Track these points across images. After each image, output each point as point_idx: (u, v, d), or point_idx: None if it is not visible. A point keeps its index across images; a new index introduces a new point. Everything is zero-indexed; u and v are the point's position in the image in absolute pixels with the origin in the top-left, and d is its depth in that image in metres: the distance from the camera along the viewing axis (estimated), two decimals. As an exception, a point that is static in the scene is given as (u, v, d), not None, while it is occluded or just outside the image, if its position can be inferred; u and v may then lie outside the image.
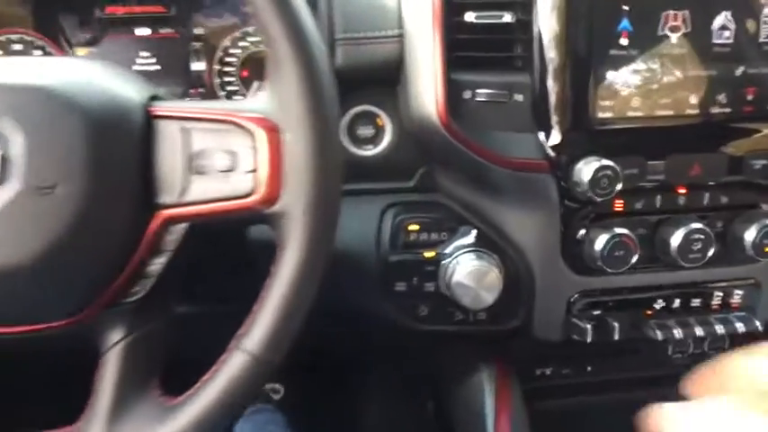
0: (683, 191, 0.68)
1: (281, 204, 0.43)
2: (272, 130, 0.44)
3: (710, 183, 0.67)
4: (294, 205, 0.43)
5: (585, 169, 0.62)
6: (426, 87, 0.66)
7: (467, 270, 0.67)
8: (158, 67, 0.81)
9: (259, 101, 0.45)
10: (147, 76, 0.81)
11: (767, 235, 0.66)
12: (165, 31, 0.82)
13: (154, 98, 0.49)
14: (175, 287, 0.51)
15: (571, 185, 0.64)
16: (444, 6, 0.64)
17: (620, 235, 0.64)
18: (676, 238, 0.66)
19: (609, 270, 0.65)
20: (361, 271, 0.72)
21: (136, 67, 0.81)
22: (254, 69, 0.80)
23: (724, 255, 0.70)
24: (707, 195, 0.68)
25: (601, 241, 0.65)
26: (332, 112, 0.44)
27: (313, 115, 0.43)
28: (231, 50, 0.80)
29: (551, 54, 0.63)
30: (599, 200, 0.62)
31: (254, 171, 0.44)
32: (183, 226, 0.47)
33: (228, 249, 0.71)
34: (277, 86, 0.44)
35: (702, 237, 0.65)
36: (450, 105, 0.65)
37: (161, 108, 0.47)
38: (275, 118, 0.44)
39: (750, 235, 0.67)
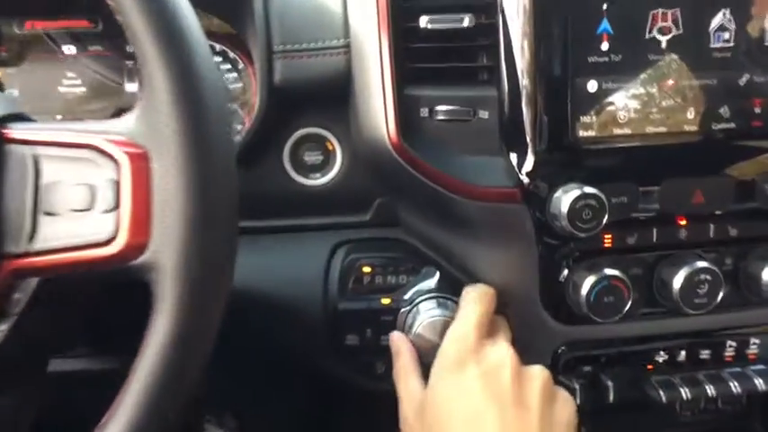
0: (683, 222, 0.56)
1: (150, 255, 0.33)
2: (139, 158, 0.33)
3: (716, 212, 0.56)
4: (165, 256, 0.32)
5: (564, 199, 0.51)
6: (376, 105, 0.56)
7: (428, 320, 0.56)
8: (84, 89, 0.72)
9: (128, 120, 0.35)
10: (74, 99, 0.73)
11: (787, 274, 0.56)
12: (94, 48, 0.73)
13: (9, 118, 0.39)
14: (36, 354, 0.41)
15: (548, 218, 0.53)
16: (393, 10, 0.54)
17: (610, 277, 0.53)
18: (678, 280, 0.55)
19: (597, 319, 0.55)
20: (305, 322, 0.61)
21: (62, 89, 0.73)
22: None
23: (736, 297, 0.58)
24: (712, 227, 0.57)
25: (587, 285, 0.54)
26: (216, 132, 0.34)
27: (187, 138, 0.32)
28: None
29: (521, 63, 0.53)
30: (582, 235, 0.51)
31: (115, 210, 0.33)
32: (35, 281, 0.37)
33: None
34: (147, 101, 0.34)
35: (709, 277, 0.54)
36: (404, 125, 0.55)
37: (14, 130, 0.37)
38: (143, 142, 0.34)
39: (767, 275, 0.56)
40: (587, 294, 0.53)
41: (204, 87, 0.34)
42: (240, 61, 0.71)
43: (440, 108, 0.56)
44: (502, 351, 0.51)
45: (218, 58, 0.71)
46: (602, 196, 0.51)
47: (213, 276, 0.33)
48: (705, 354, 0.61)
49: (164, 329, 0.32)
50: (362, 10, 0.57)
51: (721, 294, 0.55)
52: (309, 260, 0.62)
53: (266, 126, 0.62)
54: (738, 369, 0.61)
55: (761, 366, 0.62)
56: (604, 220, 0.51)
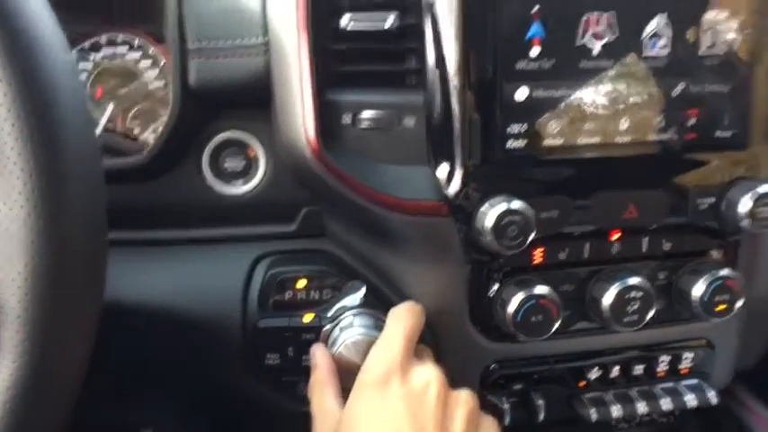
0: (616, 237, 0.55)
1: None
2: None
3: (650, 226, 0.55)
4: (4, 297, 0.28)
5: (490, 214, 0.48)
6: (296, 110, 0.52)
7: (351, 339, 0.53)
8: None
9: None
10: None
11: (718, 290, 0.54)
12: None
13: None
14: None
15: (474, 233, 0.51)
16: (313, 7, 0.50)
17: (538, 296, 0.51)
18: (609, 297, 0.53)
19: (524, 338, 0.52)
20: (222, 340, 0.57)
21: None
22: (110, 86, 0.66)
23: (669, 312, 0.57)
24: (645, 242, 0.55)
25: (514, 303, 0.51)
26: (60, 137, 0.30)
27: (20, 144, 0.28)
28: (80, 65, 0.65)
29: (449, 68, 0.50)
30: (507, 252, 0.49)
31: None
32: None
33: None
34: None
35: (640, 294, 0.52)
36: (325, 132, 0.52)
37: None
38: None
39: (698, 290, 0.54)
40: (515, 313, 0.51)
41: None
42: (163, 57, 0.66)
43: (364, 115, 0.53)
44: (429, 371, 0.48)
45: (136, 54, 0.66)
46: (530, 212, 0.48)
47: (61, 320, 0.29)
48: (638, 369, 0.60)
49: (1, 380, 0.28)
50: (281, 7, 0.52)
51: (652, 311, 0.53)
52: (228, 274, 0.58)
53: (182, 130, 0.58)
54: (671, 384, 0.60)
55: (693, 381, 0.61)
56: (531, 237, 0.48)
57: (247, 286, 0.58)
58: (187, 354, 0.58)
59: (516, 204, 0.48)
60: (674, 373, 0.61)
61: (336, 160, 0.52)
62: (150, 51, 0.66)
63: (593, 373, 0.59)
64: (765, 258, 0.63)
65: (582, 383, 0.59)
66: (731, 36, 0.52)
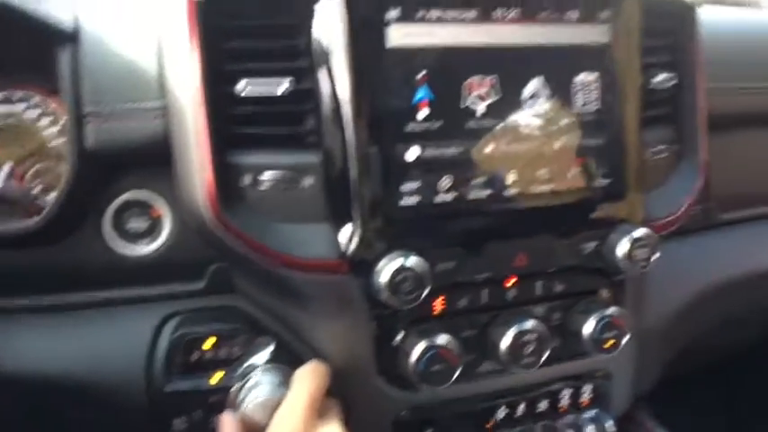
0: (511, 282, 0.58)
1: None
2: None
3: (540, 272, 0.58)
4: None
5: (385, 270, 0.50)
6: (195, 172, 0.52)
7: (257, 400, 0.53)
8: None
9: None
10: None
11: (607, 327, 0.58)
12: None
13: None
14: None
15: (373, 289, 0.52)
16: (208, 73, 0.51)
17: (438, 346, 0.53)
18: (506, 341, 0.55)
19: (427, 387, 0.54)
20: (126, 407, 0.55)
21: None
22: (8, 145, 0.64)
23: (565, 349, 0.61)
24: (539, 285, 0.58)
25: (416, 353, 0.52)
26: None
27: None
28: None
29: (345, 128, 0.52)
30: (404, 307, 0.51)
31: None
32: None
33: None
34: None
35: (535, 336, 0.55)
36: (226, 194, 0.52)
37: None
38: None
39: (588, 328, 0.58)
40: (416, 362, 0.52)
41: None
42: (63, 114, 0.65)
43: (264, 176, 0.54)
44: (331, 430, 0.49)
45: (34, 112, 0.65)
46: (424, 267, 0.50)
47: None
48: (542, 405, 0.63)
49: None
50: (178, 71, 0.53)
51: (547, 352, 0.56)
52: (132, 337, 0.57)
53: (80, 192, 0.57)
54: (572, 417, 0.63)
55: (593, 412, 0.64)
56: (425, 292, 0.51)
57: (153, 349, 0.57)
58: (90, 424, 0.56)
59: (411, 261, 0.50)
60: (575, 405, 0.64)
61: (236, 221, 0.52)
62: (49, 109, 0.65)
63: (501, 413, 0.61)
64: (651, 293, 0.68)
65: (490, 424, 0.61)
66: (601, 95, 0.57)
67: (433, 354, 0.52)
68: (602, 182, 0.58)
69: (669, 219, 0.63)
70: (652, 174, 0.65)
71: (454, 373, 0.53)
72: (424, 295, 0.50)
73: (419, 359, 0.52)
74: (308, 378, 0.52)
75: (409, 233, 0.52)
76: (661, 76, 0.63)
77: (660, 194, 0.64)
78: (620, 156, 0.58)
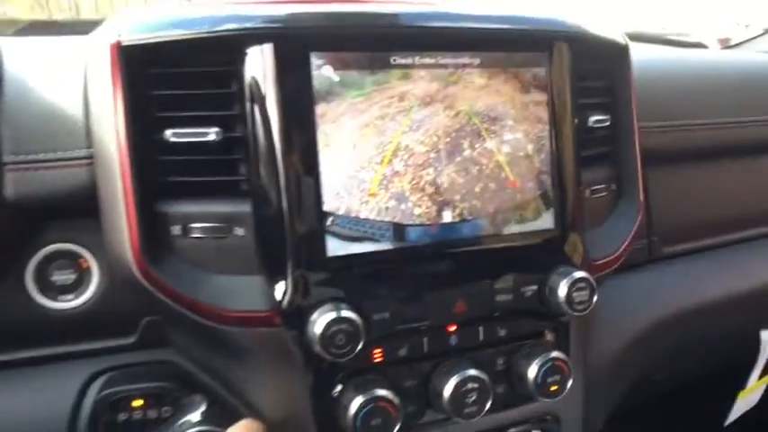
0: (453, 329, 0.56)
1: None
2: None
3: (481, 318, 0.57)
4: None
5: (318, 323, 0.48)
6: (120, 223, 0.50)
7: (187, 463, 0.50)
8: None
9: None
10: None
11: (550, 371, 0.57)
12: None
13: None
14: None
15: (307, 342, 0.51)
16: (134, 121, 0.49)
17: (377, 399, 0.51)
18: (448, 390, 0.54)
19: (367, 443, 0.52)
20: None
21: None
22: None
23: (511, 395, 0.60)
24: (481, 331, 0.57)
25: (354, 407, 0.50)
26: None
27: None
28: None
29: (278, 179, 0.50)
30: (338, 360, 0.49)
31: None
32: None
33: None
34: None
35: (477, 385, 0.54)
36: (153, 245, 0.50)
37: None
38: None
39: (532, 372, 0.57)
40: (354, 417, 0.50)
41: None
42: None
43: (194, 225, 0.52)
44: None
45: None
46: (357, 320, 0.49)
47: None
48: (490, 454, 0.62)
49: None
50: (103, 118, 0.51)
51: (490, 401, 0.55)
52: (55, 398, 0.53)
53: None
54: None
55: (542, 458, 0.63)
56: (360, 344, 0.49)
57: (77, 410, 0.53)
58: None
59: (344, 312, 0.49)
60: (524, 452, 0.63)
61: (164, 274, 0.50)
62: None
63: (447, 463, 0.60)
64: (597, 332, 0.68)
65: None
66: (537, 137, 0.57)
67: (371, 408, 0.50)
68: (540, 224, 0.58)
69: (609, 258, 0.63)
70: (591, 213, 0.65)
71: (394, 426, 0.51)
72: (359, 348, 0.49)
73: (357, 414, 0.50)
74: None
75: (342, 283, 0.51)
76: (597, 117, 0.65)
77: (600, 234, 0.65)
78: (559, 197, 0.58)
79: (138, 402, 0.54)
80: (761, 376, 0.96)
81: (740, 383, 0.91)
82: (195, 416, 0.53)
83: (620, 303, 0.75)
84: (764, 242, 0.92)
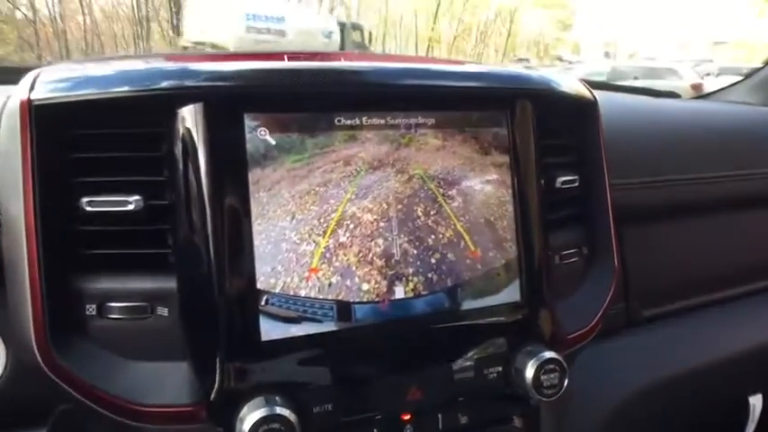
0: (408, 417, 0.50)
1: None
2: None
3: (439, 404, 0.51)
4: None
5: (248, 419, 0.42)
6: (26, 301, 0.44)
7: None
8: None
9: None
10: None
11: (519, 465, 0.52)
12: None
13: None
14: None
15: (235, 442, 0.44)
16: (44, 187, 0.44)
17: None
18: (399, 491, 0.48)
19: None
20: None
21: None
22: None
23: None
24: (440, 419, 0.51)
25: None
26: None
27: None
28: None
29: (206, 248, 0.45)
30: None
31: None
32: None
33: None
34: None
35: (433, 484, 0.49)
36: (61, 327, 0.44)
37: None
38: None
39: (500, 468, 0.52)
40: None
41: None
42: None
43: (112, 304, 0.46)
44: None
45: None
46: (292, 417, 0.42)
47: None
48: None
49: None
50: (9, 184, 0.46)
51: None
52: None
53: None
54: None
55: None
56: (295, 444, 0.43)
57: None
58: None
59: (278, 408, 0.43)
60: None
61: (72, 361, 0.44)
62: None
63: None
64: (571, 409, 0.62)
65: None
66: (498, 200, 0.53)
67: None
68: (505, 297, 0.53)
69: (583, 331, 0.58)
70: (562, 281, 0.60)
71: None
72: (293, 450, 0.43)
73: None
74: None
75: (278, 372, 0.45)
76: (564, 177, 0.61)
77: (571, 304, 0.60)
78: (526, 266, 0.53)
79: None
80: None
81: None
82: None
83: (597, 374, 0.70)
84: (748, 301, 0.87)
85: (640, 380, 0.73)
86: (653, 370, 0.74)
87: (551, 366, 0.51)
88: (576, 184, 0.62)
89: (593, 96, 0.63)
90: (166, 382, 0.45)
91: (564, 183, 0.61)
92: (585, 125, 0.63)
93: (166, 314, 0.46)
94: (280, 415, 0.42)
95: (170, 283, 0.46)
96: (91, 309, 0.46)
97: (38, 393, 0.50)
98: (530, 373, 0.50)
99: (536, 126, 0.56)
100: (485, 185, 0.53)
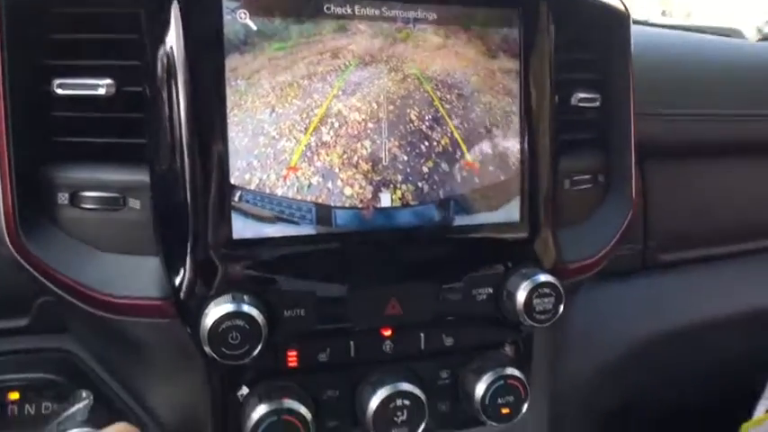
0: (388, 333, 0.47)
1: None
2: None
3: (419, 322, 0.48)
4: None
5: (210, 316, 0.40)
6: (-4, 187, 0.43)
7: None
8: None
9: None
10: None
11: (503, 390, 0.48)
12: None
13: None
14: None
15: (200, 338, 0.42)
16: (14, 68, 0.42)
17: (283, 411, 0.42)
18: (373, 405, 0.45)
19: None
20: None
21: None
22: None
23: (455, 417, 0.50)
24: (422, 337, 0.48)
25: (252, 420, 0.42)
26: None
27: None
28: None
29: (180, 139, 0.42)
30: (230, 363, 0.41)
31: None
32: None
33: None
34: None
35: (408, 402, 0.45)
36: (33, 216, 0.43)
37: None
38: None
39: (480, 390, 0.48)
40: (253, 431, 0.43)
41: None
42: None
43: (84, 194, 0.44)
44: None
45: None
46: (258, 316, 0.40)
47: None
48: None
49: None
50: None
51: (424, 422, 0.46)
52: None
53: None
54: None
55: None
56: (259, 346, 0.41)
57: (-54, 400, 0.47)
58: None
59: (243, 306, 0.41)
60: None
61: (43, 249, 0.43)
62: None
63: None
64: (570, 348, 0.59)
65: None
66: (505, 112, 0.48)
67: (272, 422, 0.42)
68: (502, 216, 0.49)
69: (587, 262, 0.53)
70: (571, 209, 0.55)
71: (305, 447, 0.43)
72: (257, 350, 0.41)
73: (256, 427, 0.42)
74: None
75: (249, 272, 0.43)
76: (583, 95, 0.55)
77: (580, 233, 0.55)
78: (529, 185, 0.49)
79: (13, 396, 0.47)
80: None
81: (743, 416, 0.80)
82: (79, 414, 0.46)
83: (605, 316, 0.66)
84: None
85: (649, 327, 0.69)
86: (664, 318, 0.70)
87: (546, 290, 0.47)
88: (597, 104, 0.56)
89: (625, 7, 0.57)
90: (137, 276, 0.43)
91: (582, 101, 0.55)
92: (612, 39, 0.56)
93: (138, 207, 0.44)
94: (246, 313, 0.40)
95: (144, 176, 0.44)
96: (63, 198, 0.44)
97: (17, 286, 0.50)
98: (521, 295, 0.47)
99: (553, 32, 0.50)
100: (488, 92, 0.48)
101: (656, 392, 0.72)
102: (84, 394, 0.47)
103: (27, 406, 0.46)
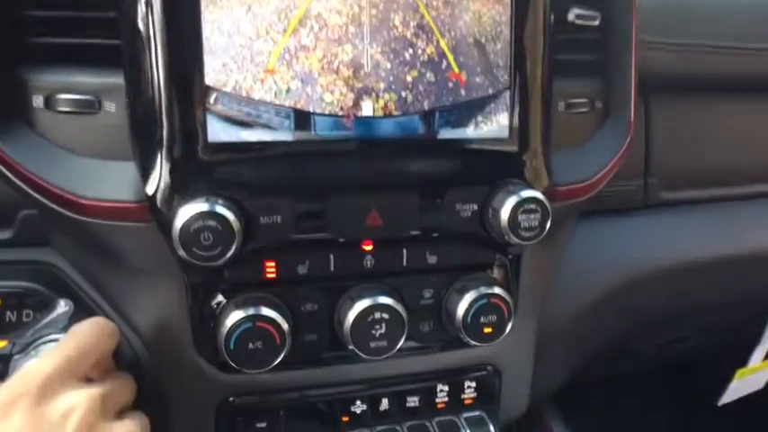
0: (369, 247, 0.47)
1: None
2: None
3: (400, 236, 0.47)
4: None
5: (182, 215, 0.39)
6: (-28, 89, 0.42)
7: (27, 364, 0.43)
8: None
9: None
10: None
11: (485, 309, 0.46)
12: None
13: None
14: None
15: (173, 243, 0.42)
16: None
17: (258, 318, 0.42)
18: (350, 317, 0.44)
19: (245, 370, 0.44)
20: None
21: None
22: None
23: (439, 336, 0.50)
24: (405, 254, 0.47)
25: (227, 326, 0.42)
26: None
27: None
28: None
29: (154, 39, 0.40)
30: (201, 264, 0.40)
31: None
32: None
33: None
34: None
35: (386, 315, 0.44)
36: (7, 118, 0.42)
37: None
38: None
39: (461, 308, 0.47)
40: (226, 337, 0.42)
41: None
42: None
43: (60, 96, 0.43)
44: (76, 397, 0.37)
45: None
46: (231, 217, 0.40)
47: None
48: (413, 401, 0.52)
49: None
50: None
51: (403, 337, 0.45)
52: None
53: None
54: (450, 418, 0.53)
55: (475, 413, 0.54)
56: (233, 248, 0.40)
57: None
58: None
59: (217, 207, 0.40)
60: (457, 403, 0.54)
61: (17, 150, 0.42)
62: None
63: (359, 407, 0.51)
64: (561, 277, 0.57)
65: (345, 418, 0.51)
66: (496, 24, 0.46)
67: (247, 328, 0.42)
68: (490, 131, 0.47)
69: (580, 185, 0.52)
70: (566, 133, 0.53)
71: (277, 355, 0.42)
72: (230, 253, 0.40)
73: (231, 332, 0.42)
74: (79, 335, 0.40)
75: (224, 175, 0.42)
76: (580, 11, 0.53)
77: (574, 156, 0.53)
78: (519, 100, 0.46)
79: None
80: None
81: (740, 362, 0.79)
82: (59, 321, 0.46)
83: (603, 249, 0.64)
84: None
85: (648, 263, 0.66)
86: (663, 255, 0.68)
87: (532, 206, 0.45)
88: (596, 23, 0.54)
89: None
90: (112, 179, 0.43)
91: (579, 17, 0.53)
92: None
93: (114, 110, 0.43)
94: (218, 213, 0.39)
95: (119, 79, 0.43)
96: (38, 101, 0.43)
97: (2, 199, 0.50)
98: (506, 211, 0.45)
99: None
100: (478, 0, 0.46)
101: (653, 332, 0.71)
102: (63, 303, 0.47)
103: (8, 313, 0.47)
